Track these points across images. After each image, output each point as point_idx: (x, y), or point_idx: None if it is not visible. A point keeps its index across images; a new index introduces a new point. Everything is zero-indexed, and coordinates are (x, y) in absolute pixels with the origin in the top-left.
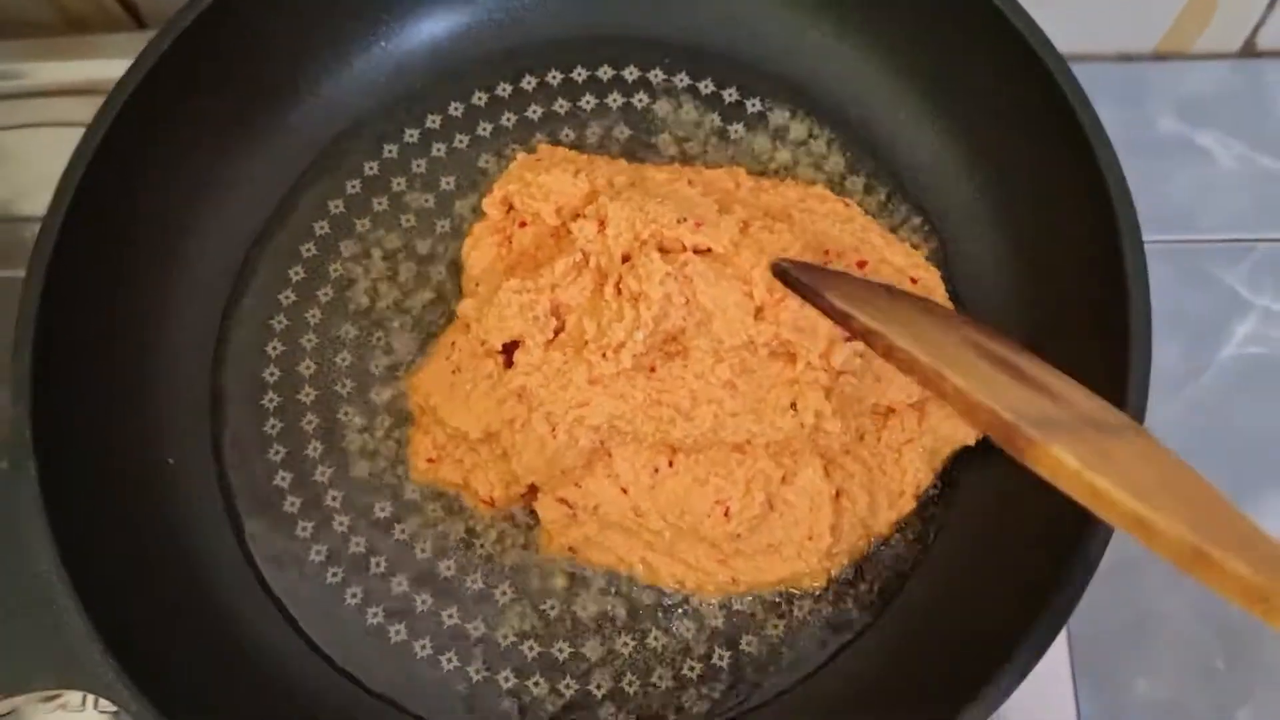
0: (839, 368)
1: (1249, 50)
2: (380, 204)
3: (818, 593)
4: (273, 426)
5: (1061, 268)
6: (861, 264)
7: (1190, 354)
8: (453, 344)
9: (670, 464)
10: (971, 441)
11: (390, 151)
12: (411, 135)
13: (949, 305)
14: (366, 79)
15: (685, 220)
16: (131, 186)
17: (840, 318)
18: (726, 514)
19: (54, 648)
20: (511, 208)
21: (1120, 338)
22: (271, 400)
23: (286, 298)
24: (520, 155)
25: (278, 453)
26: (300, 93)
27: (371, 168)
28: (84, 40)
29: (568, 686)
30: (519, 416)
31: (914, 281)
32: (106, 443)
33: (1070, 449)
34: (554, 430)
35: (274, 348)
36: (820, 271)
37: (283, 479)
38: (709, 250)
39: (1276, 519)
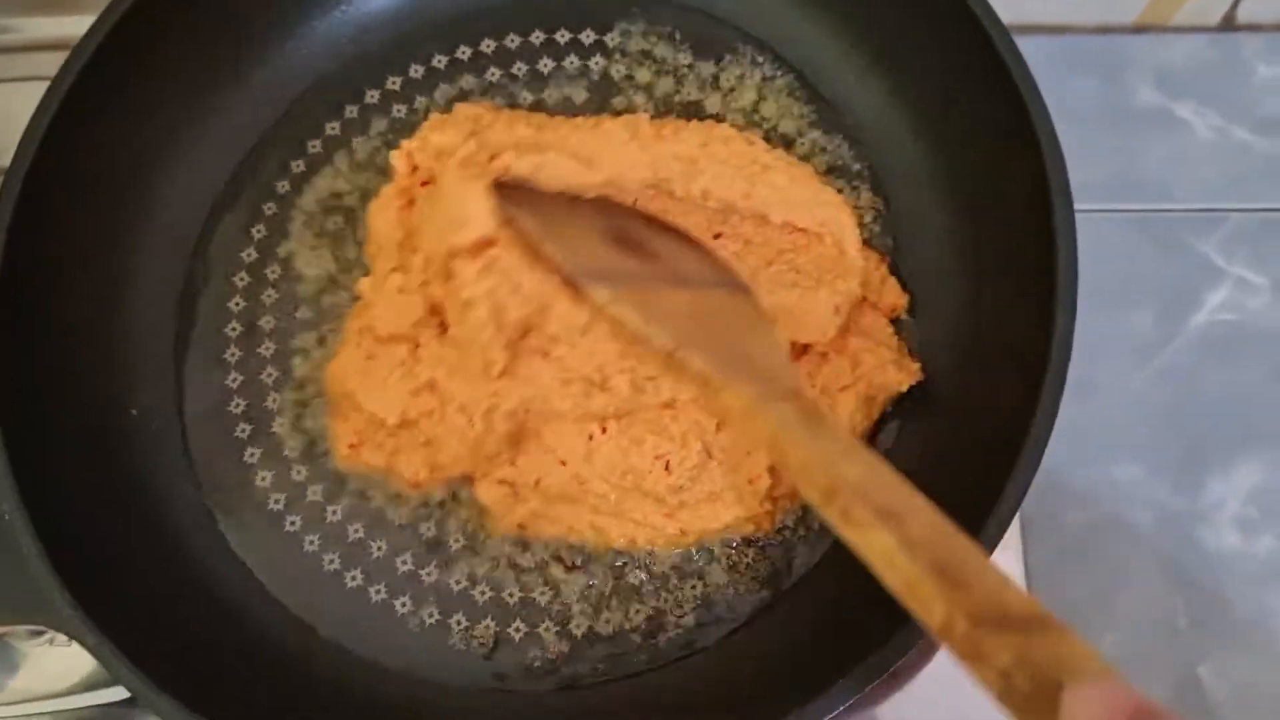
0: None
1: (1228, 23)
2: (340, 164)
3: (763, 540)
4: (234, 379)
5: (997, 230)
6: (761, 219)
7: (1163, 321)
8: (360, 331)
9: (603, 430)
10: (904, 388)
11: (351, 112)
12: (372, 96)
13: (855, 247)
14: (328, 40)
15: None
16: (97, 140)
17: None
18: (667, 467)
19: (14, 586)
20: (416, 167)
21: (1048, 297)
22: (233, 354)
23: (249, 255)
24: (432, 115)
25: (238, 405)
26: (264, 52)
27: (333, 128)
28: None
29: (517, 629)
30: (434, 409)
31: (821, 227)
32: (70, 391)
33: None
34: (470, 420)
35: (236, 303)
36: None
37: (243, 431)
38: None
39: (1246, 482)
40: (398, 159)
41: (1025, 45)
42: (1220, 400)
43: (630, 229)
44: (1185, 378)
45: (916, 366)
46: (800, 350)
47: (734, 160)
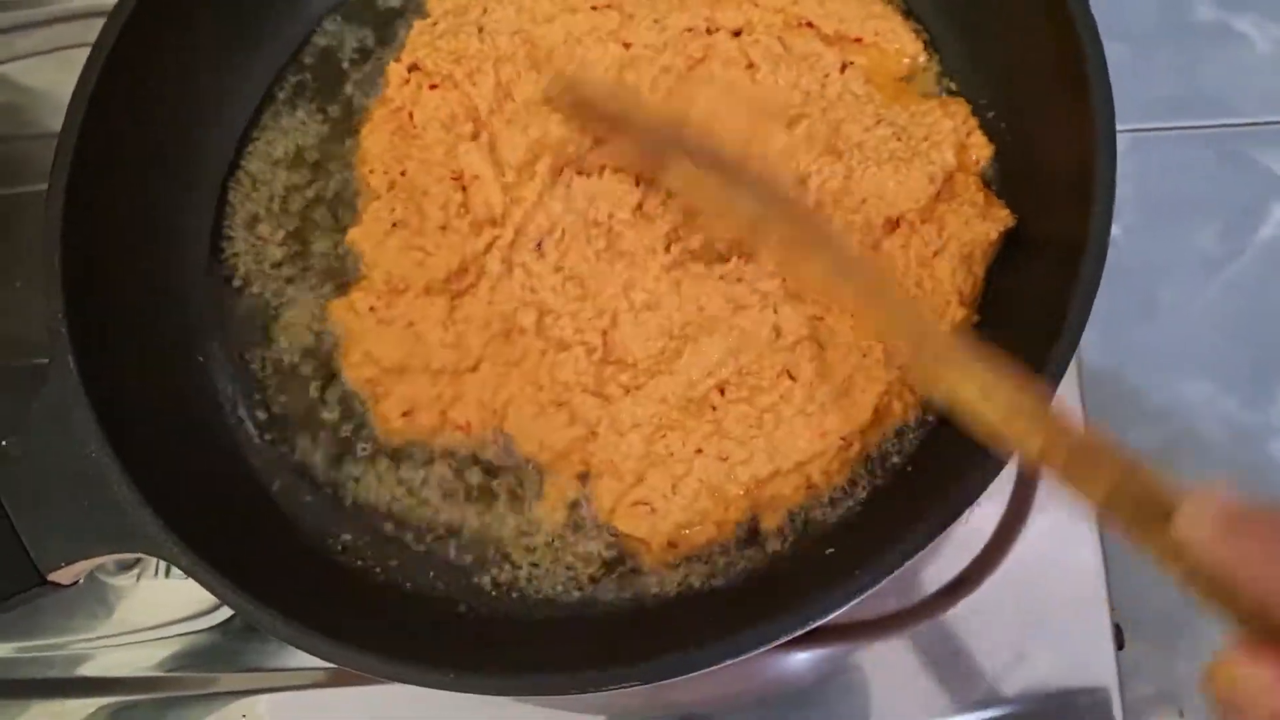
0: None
1: None
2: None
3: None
4: (288, 315)
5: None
6: (807, 24)
7: (1228, 236)
8: (371, 309)
9: (721, 392)
10: (994, 236)
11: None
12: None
13: (913, 52)
14: None
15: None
16: (140, 91)
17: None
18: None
19: (108, 519)
20: (415, 68)
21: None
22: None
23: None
24: (417, 22)
25: (313, 335)
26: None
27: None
28: None
29: None
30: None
31: (875, 36)
32: (142, 335)
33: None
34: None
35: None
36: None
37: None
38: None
39: None
40: (395, 72)
41: None
42: None
43: None
44: (1253, 292)
45: (1005, 213)
46: (892, 225)
47: None
